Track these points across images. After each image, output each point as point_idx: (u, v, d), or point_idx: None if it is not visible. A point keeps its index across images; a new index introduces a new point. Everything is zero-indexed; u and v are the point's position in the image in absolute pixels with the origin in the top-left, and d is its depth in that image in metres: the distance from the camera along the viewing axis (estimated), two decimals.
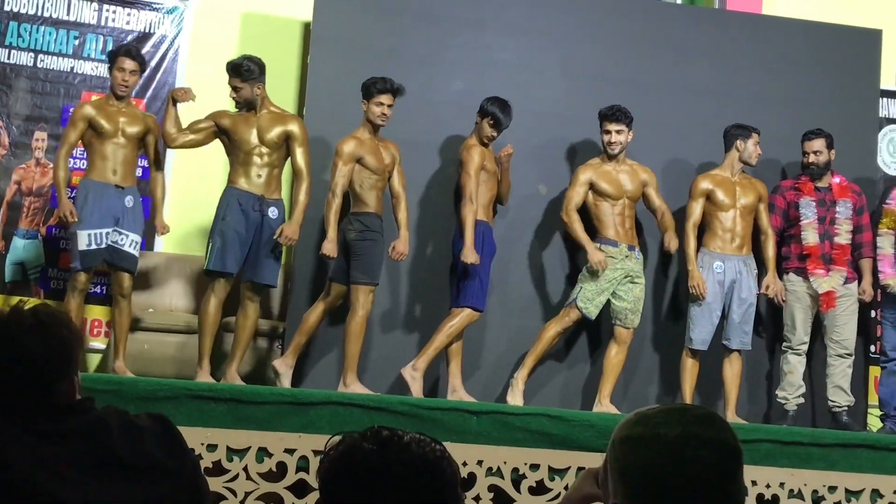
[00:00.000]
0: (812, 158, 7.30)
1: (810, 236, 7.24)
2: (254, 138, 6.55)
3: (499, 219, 7.17)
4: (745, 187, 7.17)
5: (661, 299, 7.63)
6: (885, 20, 8.54)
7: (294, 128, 6.61)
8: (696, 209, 7.13)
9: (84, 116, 6.58)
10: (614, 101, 7.02)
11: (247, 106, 6.60)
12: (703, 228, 7.17)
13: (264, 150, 6.56)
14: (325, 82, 7.33)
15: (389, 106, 6.62)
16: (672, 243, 7.00)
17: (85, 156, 6.85)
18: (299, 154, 6.61)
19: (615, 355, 6.98)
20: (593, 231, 6.99)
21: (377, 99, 6.60)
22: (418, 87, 7.22)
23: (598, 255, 6.82)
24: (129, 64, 6.63)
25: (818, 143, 7.29)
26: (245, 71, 6.54)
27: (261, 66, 6.60)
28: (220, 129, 6.60)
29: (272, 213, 6.56)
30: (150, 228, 7.09)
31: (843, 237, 7.27)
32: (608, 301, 6.94)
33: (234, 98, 6.61)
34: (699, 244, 7.13)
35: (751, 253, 7.18)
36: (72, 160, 6.87)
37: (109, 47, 7.62)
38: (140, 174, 7.01)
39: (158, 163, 6.90)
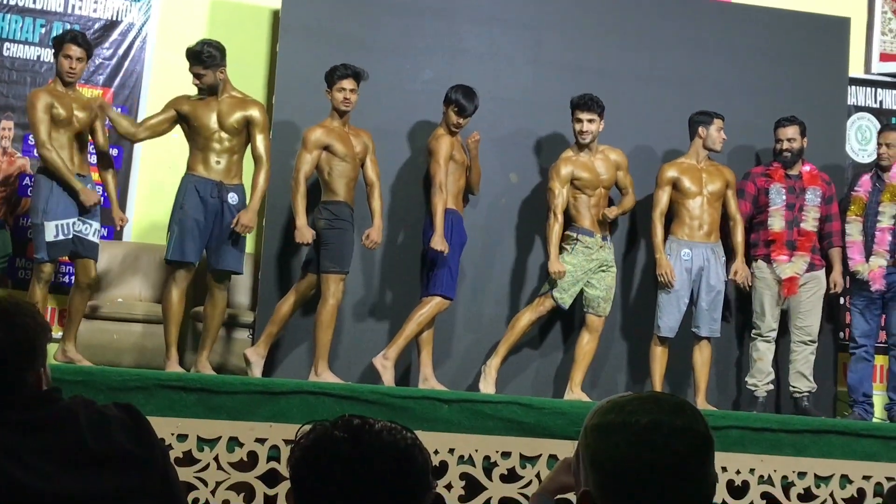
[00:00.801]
0: (786, 145, 7.32)
1: (776, 223, 7.27)
2: (213, 123, 6.49)
3: (470, 207, 7.17)
4: (712, 174, 7.19)
5: (630, 287, 7.65)
6: (852, 8, 8.58)
7: (255, 113, 6.55)
8: (663, 197, 7.14)
9: (47, 105, 6.43)
10: (584, 90, 7.02)
11: (210, 91, 6.55)
12: (671, 216, 7.19)
13: (224, 135, 6.50)
14: (294, 70, 7.30)
15: (352, 91, 6.60)
16: (611, 212, 6.99)
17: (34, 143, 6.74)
18: (259, 140, 6.55)
19: (587, 343, 7.00)
20: (569, 219, 6.98)
21: (339, 85, 6.58)
22: (388, 75, 7.21)
23: (558, 267, 6.82)
24: (75, 51, 6.49)
25: (791, 131, 7.32)
26: (207, 58, 6.47)
27: (221, 51, 6.53)
28: (180, 116, 6.53)
29: (232, 198, 6.50)
30: (110, 218, 7.08)
31: (810, 224, 7.31)
32: (580, 289, 6.96)
33: (197, 85, 6.56)
34: (667, 232, 7.15)
35: (719, 240, 7.21)
36: (27, 148, 6.80)
37: None
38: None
39: (107, 149, 6.83)
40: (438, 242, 6.61)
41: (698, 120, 7.19)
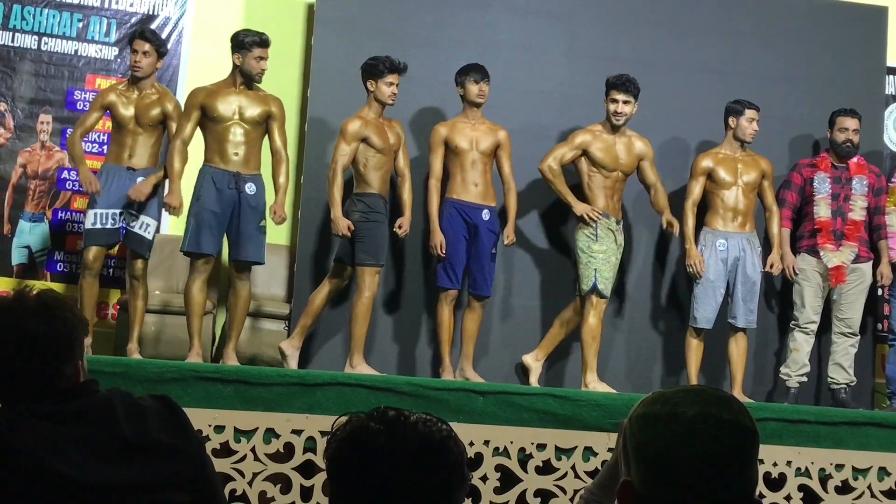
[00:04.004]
0: (851, 136, 7.29)
1: (822, 210, 7.23)
2: (233, 114, 6.49)
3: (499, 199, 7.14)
4: (748, 164, 7.15)
5: (665, 278, 7.62)
6: None
7: (276, 109, 6.57)
8: (696, 188, 7.11)
9: (103, 104, 6.63)
10: None
11: (252, 78, 6.53)
12: (706, 207, 7.16)
13: (244, 126, 6.50)
14: (328, 63, 7.33)
15: (398, 85, 6.61)
16: (675, 226, 6.93)
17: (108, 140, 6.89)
18: (278, 135, 6.58)
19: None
20: (582, 200, 6.89)
21: (387, 79, 6.57)
22: (421, 67, 7.21)
23: (582, 207, 6.79)
24: (141, 45, 6.60)
25: (855, 122, 7.30)
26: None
27: None
28: (199, 109, 6.51)
29: (249, 188, 6.48)
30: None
31: (857, 213, 7.26)
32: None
33: (262, 71, 6.51)
34: (702, 223, 7.12)
35: (754, 230, 7.17)
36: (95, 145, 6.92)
37: (113, 30, 7.63)
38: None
39: (170, 144, 6.85)
40: (434, 241, 6.67)
41: (729, 109, 7.15)
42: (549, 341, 7.09)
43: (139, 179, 6.57)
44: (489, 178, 6.85)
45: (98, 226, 6.51)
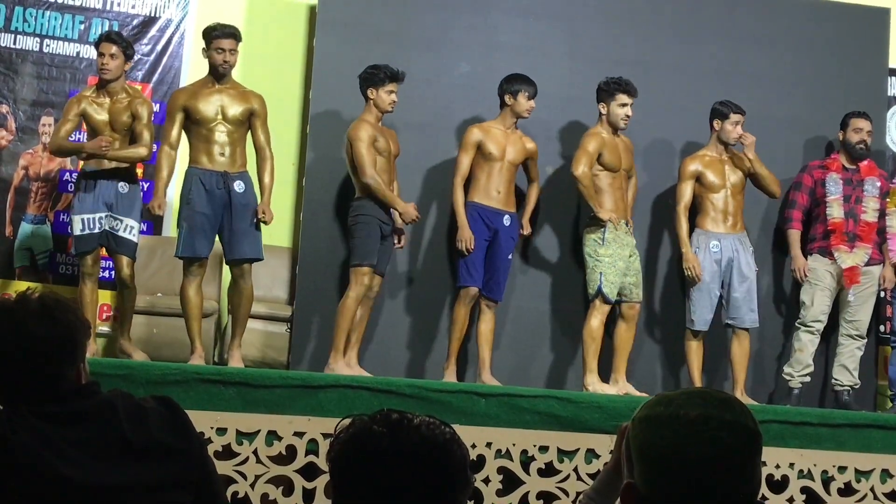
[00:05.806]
0: (865, 137, 7.29)
1: (836, 211, 7.22)
2: (216, 114, 6.48)
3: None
4: (733, 165, 7.14)
5: (665, 279, 7.60)
6: None
7: (257, 106, 6.54)
8: (687, 191, 7.08)
9: (77, 113, 6.57)
10: None
11: (221, 74, 6.51)
12: (697, 209, 7.14)
13: (227, 126, 6.48)
14: (331, 65, 7.32)
15: (396, 93, 6.60)
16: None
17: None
18: (261, 132, 6.55)
19: (625, 332, 6.90)
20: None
21: (388, 87, 6.56)
22: (424, 69, 7.22)
23: (609, 213, 6.76)
24: (107, 48, 6.55)
25: (868, 124, 7.30)
26: (239, 36, 6.54)
27: None
28: (182, 111, 6.50)
29: (238, 186, 6.45)
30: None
31: (870, 214, 7.25)
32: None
33: (224, 62, 6.49)
34: (694, 224, 7.10)
35: (745, 230, 7.16)
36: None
37: None
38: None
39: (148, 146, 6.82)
40: (462, 236, 6.64)
41: (714, 112, 7.12)
42: (594, 358, 6.98)
43: (121, 184, 6.55)
44: (513, 186, 6.88)
45: (87, 231, 6.51)
